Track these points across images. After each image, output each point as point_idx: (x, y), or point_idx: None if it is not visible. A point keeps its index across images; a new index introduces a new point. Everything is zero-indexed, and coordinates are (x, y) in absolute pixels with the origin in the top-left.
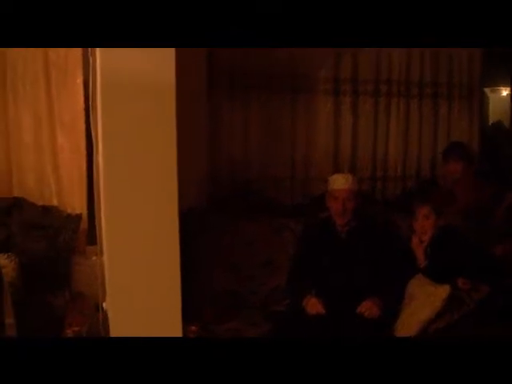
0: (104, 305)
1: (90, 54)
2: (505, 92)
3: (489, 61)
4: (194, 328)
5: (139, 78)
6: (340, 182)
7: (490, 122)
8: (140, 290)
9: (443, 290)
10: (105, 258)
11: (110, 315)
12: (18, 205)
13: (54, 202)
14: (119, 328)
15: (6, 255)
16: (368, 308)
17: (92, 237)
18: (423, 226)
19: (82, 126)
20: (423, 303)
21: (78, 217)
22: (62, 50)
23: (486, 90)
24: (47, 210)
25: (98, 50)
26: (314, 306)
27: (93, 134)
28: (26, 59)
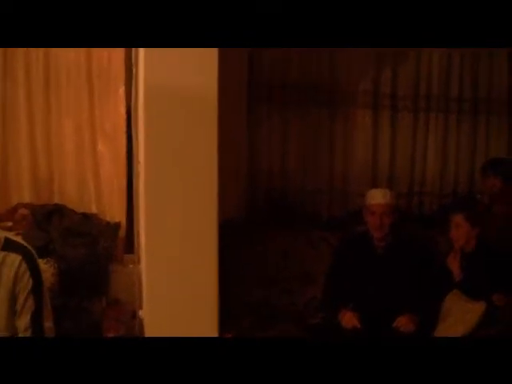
0: (140, 312)
1: (133, 64)
2: None
3: None
4: (230, 336)
5: (182, 89)
6: (378, 197)
7: None
8: (177, 299)
9: (479, 307)
10: (142, 266)
11: (145, 323)
12: (58, 211)
13: (94, 210)
14: (154, 336)
15: (45, 260)
16: (403, 324)
17: (129, 245)
18: (456, 234)
19: (123, 135)
20: (459, 320)
21: (117, 225)
22: (104, 60)
23: None
24: (87, 217)
25: (141, 61)
26: (349, 319)
27: (134, 143)
28: (69, 68)
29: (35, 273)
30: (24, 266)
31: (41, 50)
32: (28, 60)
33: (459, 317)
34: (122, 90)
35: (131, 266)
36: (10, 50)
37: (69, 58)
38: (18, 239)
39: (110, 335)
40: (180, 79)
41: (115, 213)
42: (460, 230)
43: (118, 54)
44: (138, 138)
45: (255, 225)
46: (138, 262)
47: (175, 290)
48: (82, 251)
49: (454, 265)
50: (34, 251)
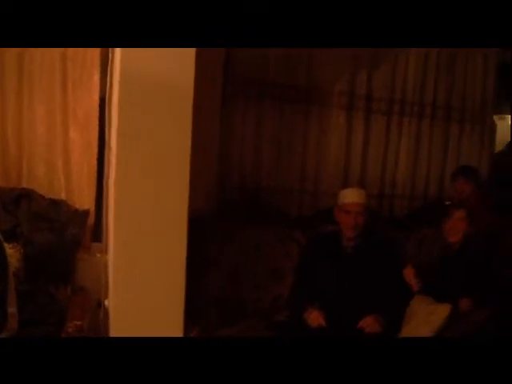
0: (106, 302)
1: (109, 51)
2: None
3: (500, 88)
4: (194, 329)
5: (158, 79)
6: (353, 196)
7: (497, 148)
8: (143, 290)
9: (444, 309)
10: (110, 255)
11: (110, 312)
12: (26, 196)
13: (63, 196)
14: (119, 326)
15: (11, 245)
16: (369, 324)
17: (97, 234)
18: (456, 226)
19: (96, 123)
20: (423, 321)
21: (86, 212)
22: None
23: (495, 117)
24: (55, 203)
25: (118, 49)
26: (315, 318)
27: (106, 131)
28: (43, 52)
29: (0, 256)
30: None
31: None
32: None
33: (424, 318)
34: (96, 77)
35: (98, 255)
36: None
37: None
38: None
39: (76, 323)
40: (156, 68)
41: (84, 200)
42: (461, 223)
43: None
44: (110, 126)
45: (225, 220)
46: (106, 251)
47: (142, 281)
48: (49, 237)
49: (409, 278)
50: None
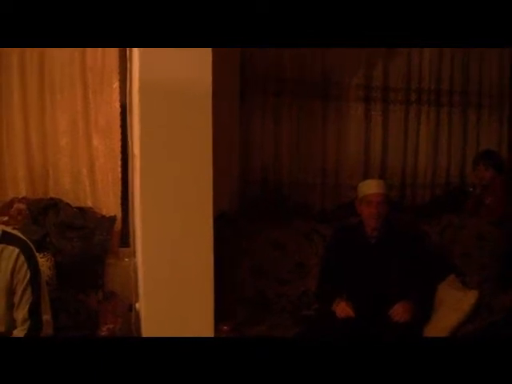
0: (137, 305)
1: (127, 59)
2: None
3: None
4: (225, 328)
5: (176, 83)
6: (374, 187)
7: None
8: (173, 291)
9: (472, 295)
10: (138, 259)
11: (142, 316)
12: (54, 205)
13: (89, 204)
14: (151, 328)
15: (42, 254)
16: (398, 313)
17: (124, 239)
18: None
19: (118, 130)
20: (451, 308)
21: (113, 218)
22: (98, 55)
23: None
24: (82, 211)
25: (135, 56)
26: (343, 309)
27: (129, 137)
28: (63, 63)
29: (33, 265)
30: (22, 258)
31: None
32: (22, 55)
33: (452, 305)
34: (116, 85)
35: (127, 259)
36: None
37: (63, 52)
38: (15, 232)
39: (109, 327)
40: (174, 73)
41: (110, 206)
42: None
43: (112, 48)
44: (132, 132)
45: (250, 217)
46: (134, 255)
47: (171, 283)
48: (78, 245)
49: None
50: (31, 244)
